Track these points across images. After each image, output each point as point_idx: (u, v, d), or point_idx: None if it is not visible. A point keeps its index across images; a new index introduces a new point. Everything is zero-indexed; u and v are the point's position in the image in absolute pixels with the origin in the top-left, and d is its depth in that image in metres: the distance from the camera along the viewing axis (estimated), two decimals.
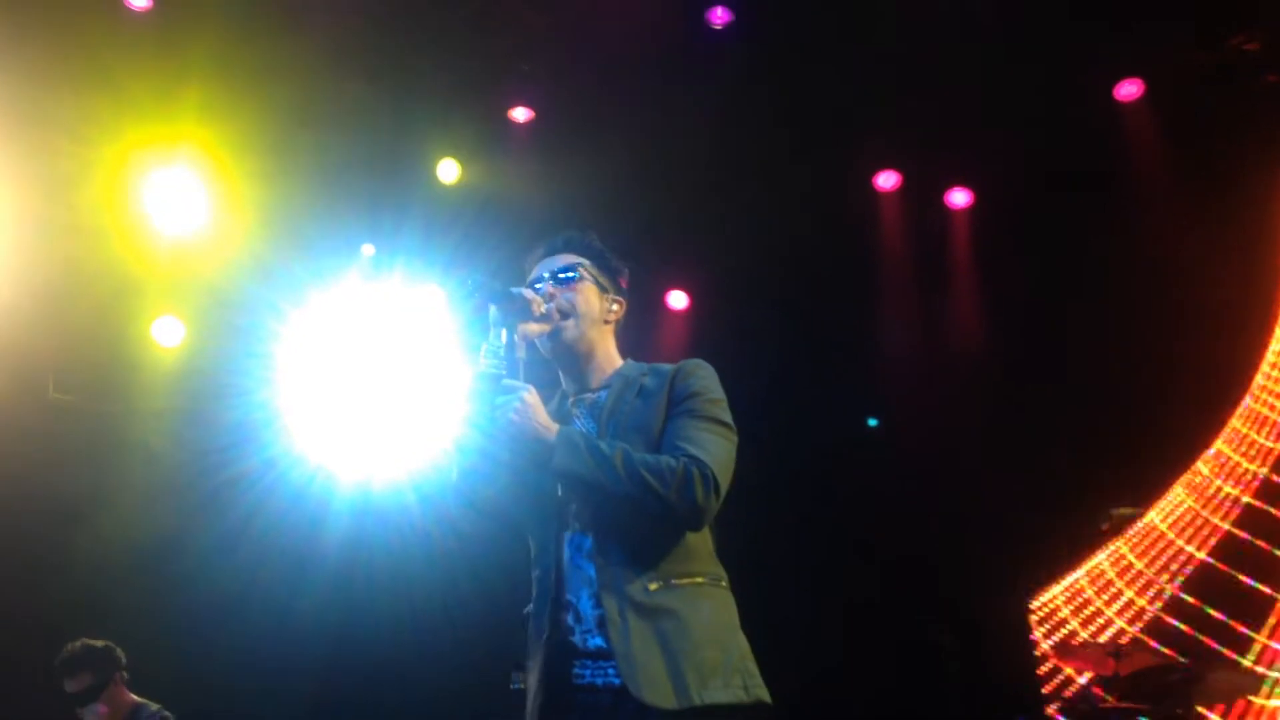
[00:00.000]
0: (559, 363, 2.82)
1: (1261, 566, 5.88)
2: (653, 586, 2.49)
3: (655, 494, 2.45)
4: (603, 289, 2.82)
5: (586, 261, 2.82)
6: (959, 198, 6.85)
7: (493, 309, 2.64)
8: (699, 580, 2.54)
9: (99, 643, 4.82)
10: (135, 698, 4.89)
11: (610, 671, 2.47)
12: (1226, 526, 6.10)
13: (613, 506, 2.51)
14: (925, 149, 6.62)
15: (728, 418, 2.64)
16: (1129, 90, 6.32)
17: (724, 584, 2.61)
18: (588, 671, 2.51)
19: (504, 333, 2.63)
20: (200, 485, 5.94)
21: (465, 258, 6.30)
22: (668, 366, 2.73)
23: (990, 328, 6.68)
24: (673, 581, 2.51)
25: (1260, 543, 5.92)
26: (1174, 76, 6.16)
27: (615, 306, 2.86)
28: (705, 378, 2.68)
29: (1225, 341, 6.08)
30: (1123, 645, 4.87)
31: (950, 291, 6.78)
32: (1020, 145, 6.31)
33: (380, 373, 6.49)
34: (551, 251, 2.85)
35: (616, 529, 2.52)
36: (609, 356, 2.83)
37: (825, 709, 5.86)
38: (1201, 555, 6.13)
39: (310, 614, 6.00)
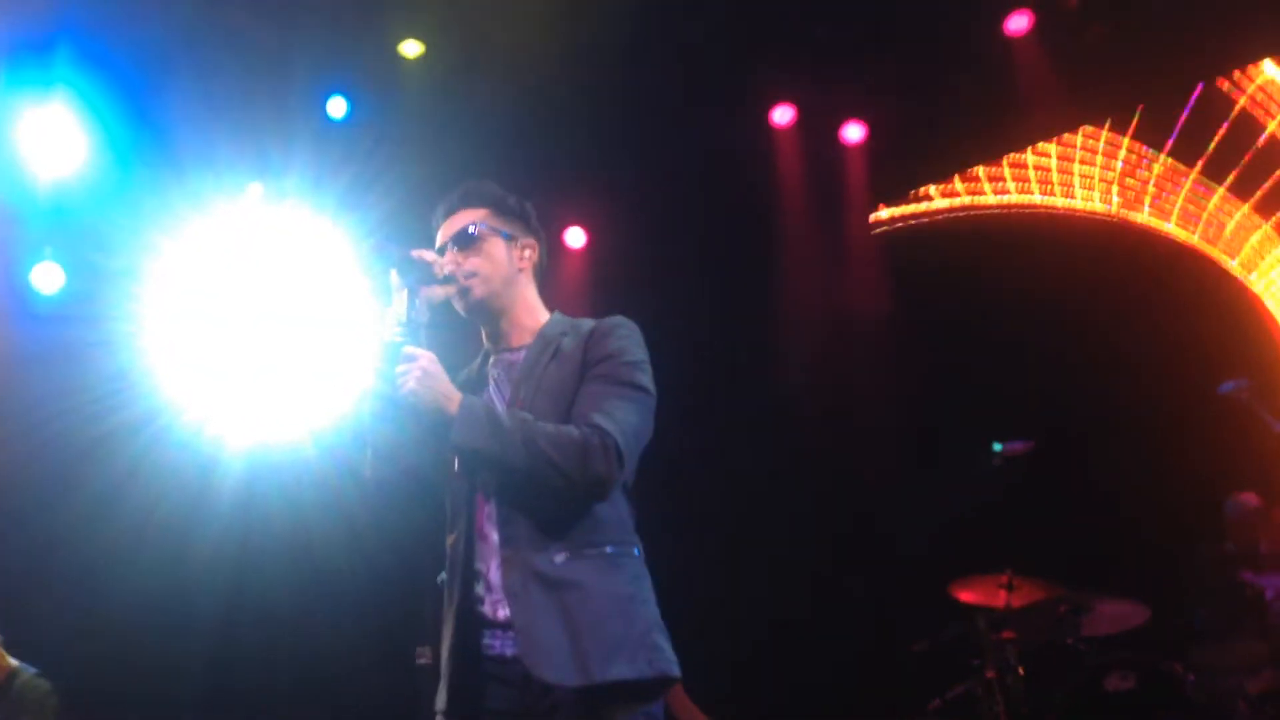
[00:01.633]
0: (478, 321, 2.74)
1: None
2: (558, 558, 2.44)
3: (555, 467, 2.40)
4: (508, 237, 2.73)
5: (486, 212, 2.73)
6: (853, 132, 6.85)
7: (394, 274, 2.57)
8: (607, 550, 2.49)
9: None
10: (12, 661, 4.79)
11: (519, 642, 2.41)
12: None
13: (514, 480, 2.45)
14: (819, 82, 6.58)
15: (644, 380, 2.58)
16: (1019, 23, 6.34)
17: (636, 553, 2.55)
18: (497, 642, 2.47)
19: (406, 296, 2.56)
20: (80, 436, 5.71)
21: (357, 197, 6.15)
22: (588, 324, 2.66)
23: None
24: (581, 552, 2.46)
25: None
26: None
27: (527, 252, 2.77)
28: (622, 338, 2.61)
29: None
30: (1014, 579, 4.99)
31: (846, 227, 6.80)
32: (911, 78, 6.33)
33: (270, 318, 6.28)
34: (450, 210, 2.76)
35: (521, 500, 2.46)
36: (529, 309, 2.75)
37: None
38: None
39: (202, 571, 5.84)
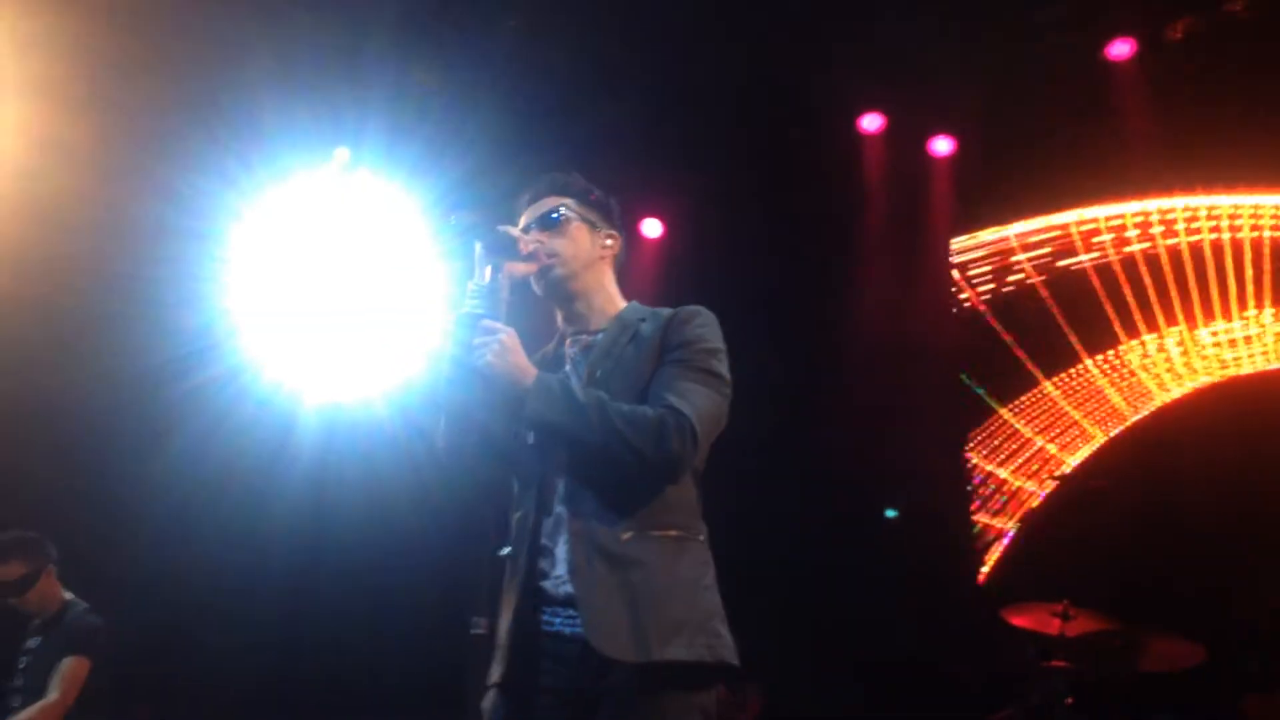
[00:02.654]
0: (555, 304, 2.80)
1: None
2: (625, 536, 2.46)
3: (629, 445, 2.43)
4: (592, 225, 2.79)
5: (571, 201, 2.78)
6: (942, 145, 6.80)
7: (478, 247, 2.62)
8: (674, 533, 2.52)
9: (31, 534, 4.85)
10: (66, 594, 4.90)
11: (579, 621, 2.45)
12: None
13: (587, 456, 2.48)
14: (911, 94, 6.54)
15: (720, 368, 2.61)
16: (1120, 50, 6.26)
17: (702, 539, 2.58)
18: (558, 620, 2.50)
19: (488, 271, 2.60)
20: (162, 394, 5.85)
21: (431, 163, 6.21)
22: (667, 311, 2.70)
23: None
24: (648, 533, 2.48)
25: None
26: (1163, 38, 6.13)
27: (609, 242, 2.81)
28: (701, 325, 2.64)
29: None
30: (1070, 608, 4.95)
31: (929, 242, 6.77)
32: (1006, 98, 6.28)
33: (348, 281, 6.36)
34: (535, 197, 2.81)
35: (592, 477, 2.50)
36: (607, 297, 2.79)
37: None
38: None
39: (279, 526, 5.98)
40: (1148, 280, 6.48)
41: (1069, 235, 6.68)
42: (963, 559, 6.18)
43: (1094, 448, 6.44)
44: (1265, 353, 6.21)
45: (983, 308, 6.82)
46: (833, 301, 6.78)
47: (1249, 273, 6.27)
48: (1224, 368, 6.29)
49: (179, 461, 5.80)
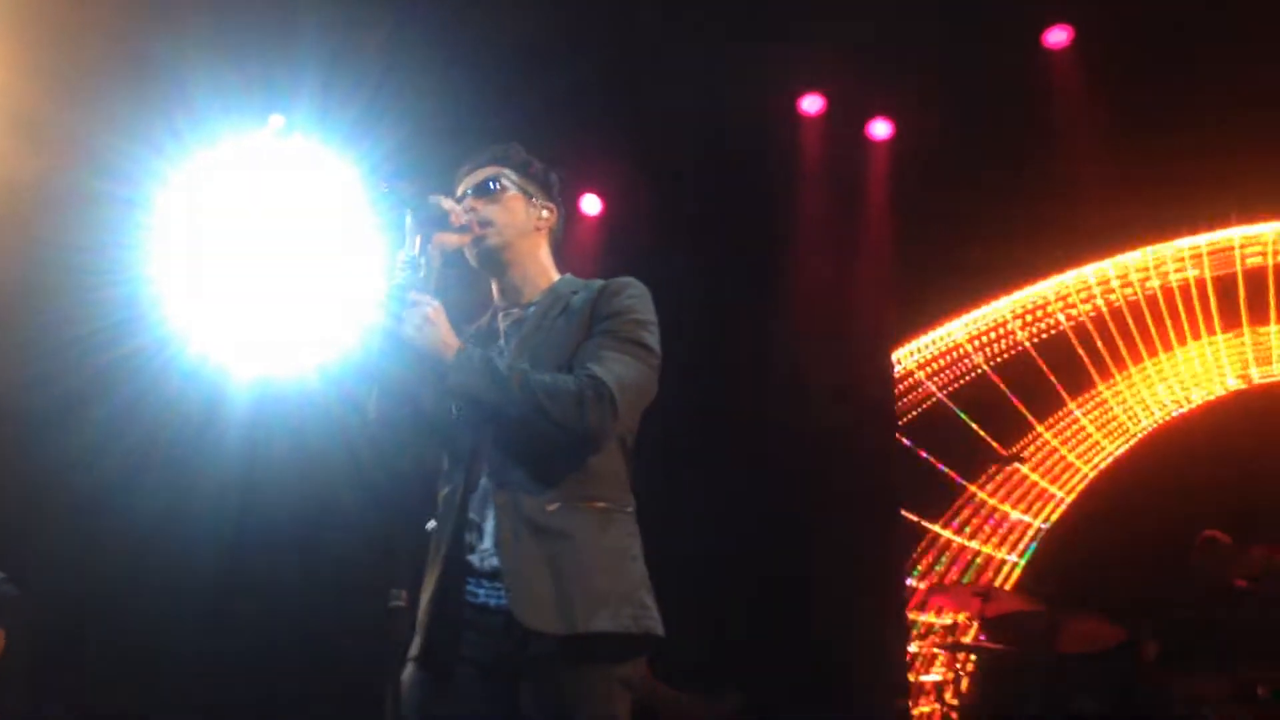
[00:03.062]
0: (489, 274, 2.79)
1: None
2: (551, 508, 2.47)
3: (547, 415, 2.43)
4: (529, 196, 2.77)
5: (509, 171, 2.77)
6: (880, 128, 6.82)
7: (409, 218, 2.60)
8: (600, 505, 2.52)
9: None
10: None
11: (504, 593, 2.46)
12: None
13: (510, 427, 2.49)
14: (850, 76, 6.55)
15: (649, 339, 2.62)
16: (1058, 37, 6.32)
17: (630, 510, 2.59)
18: (482, 591, 2.51)
19: (418, 242, 2.59)
20: (85, 365, 5.72)
21: (365, 130, 6.11)
22: (599, 283, 2.70)
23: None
24: (574, 504, 2.49)
25: None
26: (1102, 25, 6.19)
27: (545, 214, 2.81)
28: (630, 297, 2.64)
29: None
30: (991, 589, 5.03)
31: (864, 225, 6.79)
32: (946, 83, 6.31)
33: (280, 250, 6.26)
34: (474, 167, 2.80)
35: (517, 448, 2.50)
36: (541, 269, 2.79)
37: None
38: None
39: (206, 501, 5.89)
40: (1091, 338, 6.74)
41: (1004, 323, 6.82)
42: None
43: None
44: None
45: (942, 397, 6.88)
46: (771, 280, 6.78)
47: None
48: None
49: (102, 434, 5.68)
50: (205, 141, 6.06)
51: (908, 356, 6.92)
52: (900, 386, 6.90)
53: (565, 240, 2.92)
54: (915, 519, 6.32)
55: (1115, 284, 6.72)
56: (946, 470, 6.66)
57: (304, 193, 6.30)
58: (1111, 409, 6.62)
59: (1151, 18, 5.97)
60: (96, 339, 5.71)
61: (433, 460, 2.70)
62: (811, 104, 6.79)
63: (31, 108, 5.59)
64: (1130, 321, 6.67)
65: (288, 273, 6.23)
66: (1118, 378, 6.63)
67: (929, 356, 6.89)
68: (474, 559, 2.52)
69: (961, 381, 6.87)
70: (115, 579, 5.72)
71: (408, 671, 2.57)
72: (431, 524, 2.65)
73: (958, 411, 6.75)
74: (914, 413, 6.85)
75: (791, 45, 6.32)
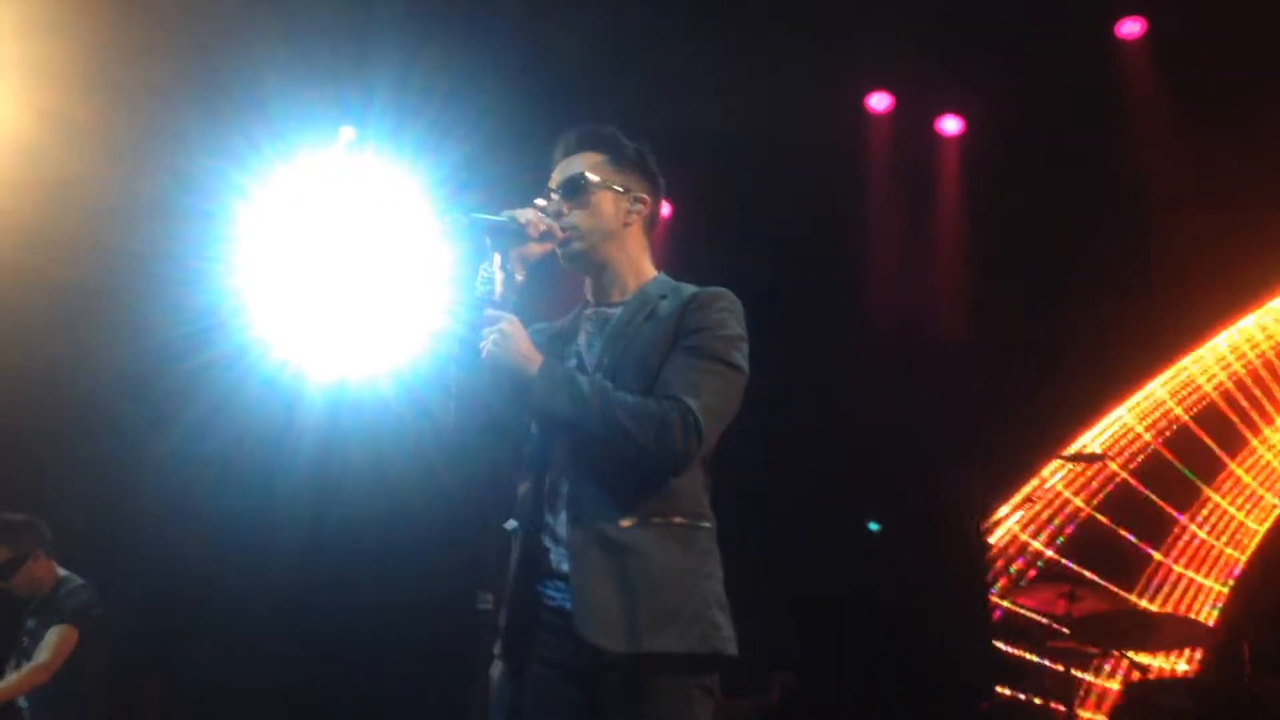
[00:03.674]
0: (580, 273, 2.74)
1: None
2: (625, 523, 2.42)
3: (631, 439, 2.39)
4: (618, 191, 2.67)
5: (601, 158, 2.69)
6: (950, 125, 6.76)
7: (487, 239, 2.58)
8: (677, 520, 2.47)
9: (18, 517, 4.86)
10: (61, 571, 4.92)
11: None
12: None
13: (589, 444, 2.45)
14: (920, 73, 6.50)
15: (737, 357, 2.54)
16: (1131, 28, 6.21)
17: (706, 525, 2.52)
18: (559, 595, 2.47)
19: (497, 259, 2.56)
20: (167, 373, 5.86)
21: (438, 140, 6.19)
22: (689, 290, 2.61)
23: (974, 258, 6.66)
24: (649, 520, 2.44)
25: None
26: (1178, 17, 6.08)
27: (638, 205, 2.69)
28: (720, 310, 2.56)
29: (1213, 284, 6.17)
30: (1077, 588, 4.94)
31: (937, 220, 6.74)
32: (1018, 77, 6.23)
33: (354, 260, 6.36)
34: (567, 150, 2.73)
35: (594, 462, 2.46)
36: (632, 266, 2.69)
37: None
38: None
39: (284, 504, 6.01)
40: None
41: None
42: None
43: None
44: None
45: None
46: (839, 285, 6.75)
47: None
48: None
49: (184, 440, 5.83)
50: (282, 155, 6.19)
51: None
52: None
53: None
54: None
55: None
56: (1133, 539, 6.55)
57: (376, 204, 6.39)
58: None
59: (1227, 6, 5.85)
60: (180, 346, 5.88)
61: (508, 464, 2.68)
62: (879, 101, 6.73)
63: (114, 125, 5.75)
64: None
65: (361, 282, 6.34)
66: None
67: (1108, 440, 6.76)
68: (551, 560, 2.49)
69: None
70: (197, 585, 5.85)
71: (495, 667, 2.56)
72: (511, 524, 2.62)
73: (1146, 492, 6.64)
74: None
75: (858, 42, 6.28)
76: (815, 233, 6.70)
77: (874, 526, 5.81)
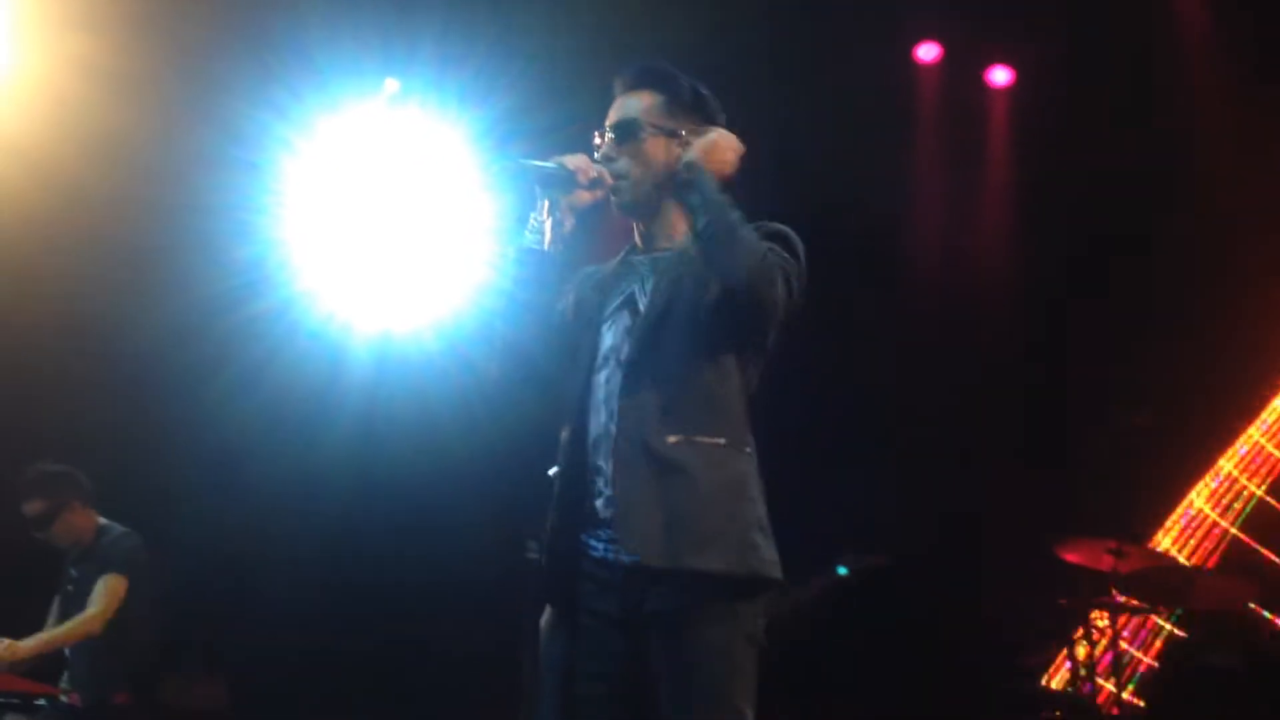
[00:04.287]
0: (632, 219, 2.72)
1: None
2: (672, 439, 2.42)
3: (764, 273, 2.38)
4: (671, 134, 2.62)
5: (659, 100, 2.64)
6: (1000, 76, 6.66)
7: (535, 186, 2.59)
8: (721, 441, 2.47)
9: (55, 467, 4.88)
10: (100, 520, 4.93)
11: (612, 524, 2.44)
12: None
13: (647, 358, 2.47)
14: (968, 22, 6.39)
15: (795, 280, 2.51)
16: None
17: (748, 450, 2.53)
18: (601, 545, 2.48)
19: (546, 206, 2.57)
20: (214, 326, 5.90)
21: (483, 91, 6.15)
22: None
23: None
24: (694, 438, 2.44)
25: None
26: None
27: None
28: (785, 234, 2.55)
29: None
30: (1123, 545, 4.91)
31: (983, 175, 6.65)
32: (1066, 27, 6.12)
33: (398, 212, 6.35)
34: (625, 87, 2.69)
35: (645, 377, 2.47)
36: (684, 212, 2.62)
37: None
38: None
39: (331, 459, 6.04)
40: None
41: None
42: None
43: None
44: None
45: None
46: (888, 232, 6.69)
47: None
48: None
49: (230, 393, 5.87)
50: (326, 107, 6.17)
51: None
52: None
53: None
54: None
55: None
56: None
57: (421, 155, 6.38)
58: None
59: None
60: (224, 300, 5.90)
61: (550, 416, 2.68)
62: (928, 52, 6.63)
63: (159, 77, 5.76)
64: None
65: (405, 234, 6.35)
66: None
67: None
68: (599, 504, 2.49)
69: None
70: (243, 538, 5.92)
71: (546, 615, 2.57)
72: (553, 470, 2.63)
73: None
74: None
75: None
76: (863, 188, 6.62)
77: (842, 570, 5.83)
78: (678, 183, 2.54)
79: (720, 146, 2.57)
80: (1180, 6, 6.15)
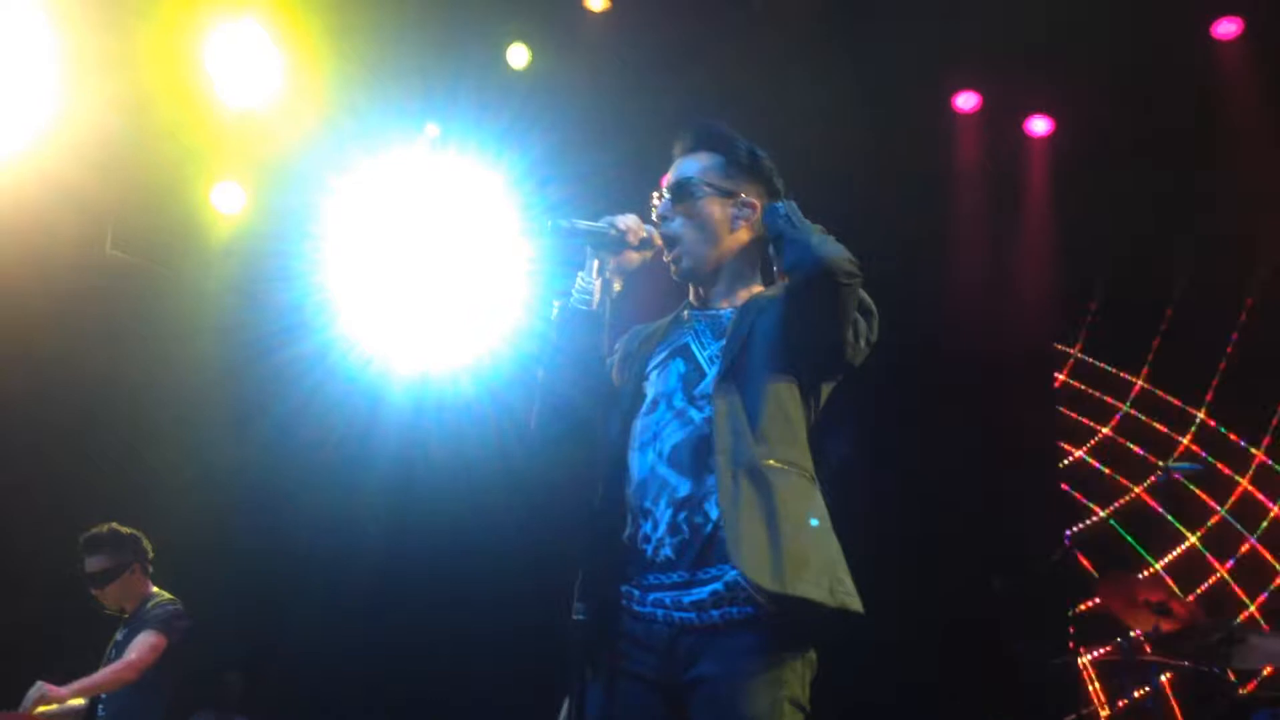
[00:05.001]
0: (689, 284, 2.74)
1: None
2: (769, 462, 2.40)
3: (847, 305, 2.44)
4: (727, 195, 2.65)
5: (712, 163, 2.68)
6: (1039, 125, 6.64)
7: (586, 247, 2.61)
8: (802, 471, 2.46)
9: (126, 530, 4.88)
10: (154, 589, 4.92)
11: (668, 602, 2.39)
12: None
13: (736, 389, 2.46)
14: (1008, 73, 6.38)
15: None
16: (1227, 29, 6.05)
17: (818, 483, 2.51)
18: (650, 598, 2.42)
19: (595, 266, 2.58)
20: (255, 370, 5.94)
21: (520, 139, 6.19)
22: None
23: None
24: (787, 467, 2.43)
25: None
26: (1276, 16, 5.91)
27: (747, 212, 2.66)
28: (865, 299, 2.56)
29: None
30: (1172, 606, 4.83)
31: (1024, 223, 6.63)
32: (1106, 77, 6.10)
33: (437, 257, 6.39)
34: (686, 149, 2.73)
35: (741, 400, 2.45)
36: (739, 274, 2.67)
37: None
38: None
39: (370, 503, 6.11)
40: None
41: None
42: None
43: None
44: None
45: None
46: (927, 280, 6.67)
47: None
48: None
49: (270, 436, 5.89)
50: (367, 151, 6.23)
51: None
52: None
53: None
54: None
55: None
56: None
57: (460, 200, 6.42)
58: None
59: None
60: (268, 343, 5.96)
61: (588, 469, 2.65)
62: (966, 101, 6.63)
63: (201, 117, 5.81)
64: None
65: (444, 278, 6.38)
66: None
67: None
68: (648, 550, 2.45)
69: None
70: (283, 582, 5.92)
71: (586, 676, 2.49)
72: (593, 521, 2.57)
73: None
74: None
75: (945, 41, 6.19)
76: (900, 236, 6.61)
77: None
78: (768, 227, 2.56)
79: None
80: (1224, 55, 6.11)
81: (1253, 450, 6.40)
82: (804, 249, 2.44)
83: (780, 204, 2.56)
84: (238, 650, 5.83)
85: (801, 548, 2.34)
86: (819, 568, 2.35)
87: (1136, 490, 6.47)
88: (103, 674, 4.67)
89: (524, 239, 6.20)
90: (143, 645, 4.67)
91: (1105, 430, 6.66)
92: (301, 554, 5.99)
